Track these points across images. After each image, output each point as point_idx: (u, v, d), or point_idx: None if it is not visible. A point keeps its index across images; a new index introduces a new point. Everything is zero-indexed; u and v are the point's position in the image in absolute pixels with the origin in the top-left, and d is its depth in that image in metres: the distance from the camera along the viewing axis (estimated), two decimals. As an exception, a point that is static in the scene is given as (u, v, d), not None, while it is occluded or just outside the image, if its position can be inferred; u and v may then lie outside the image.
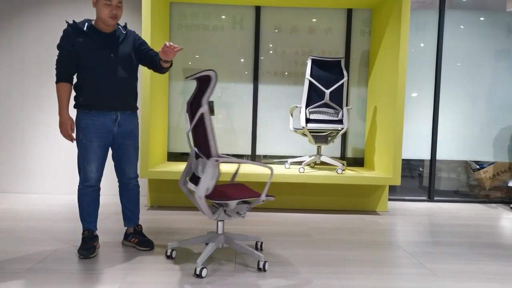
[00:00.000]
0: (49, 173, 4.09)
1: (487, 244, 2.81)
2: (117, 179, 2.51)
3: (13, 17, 4.01)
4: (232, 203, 2.12)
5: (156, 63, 2.38)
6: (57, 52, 2.30)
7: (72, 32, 2.25)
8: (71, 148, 4.07)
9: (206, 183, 2.04)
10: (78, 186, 2.36)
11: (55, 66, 2.30)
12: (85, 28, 2.26)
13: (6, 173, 4.10)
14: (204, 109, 2.02)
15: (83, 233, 2.38)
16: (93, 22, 2.32)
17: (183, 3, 4.05)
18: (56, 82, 2.27)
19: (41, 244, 2.52)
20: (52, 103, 4.06)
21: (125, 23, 2.46)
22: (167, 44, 2.19)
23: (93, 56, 2.25)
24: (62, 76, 2.26)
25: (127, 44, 2.36)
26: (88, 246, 2.31)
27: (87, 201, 2.37)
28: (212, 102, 2.17)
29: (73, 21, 2.28)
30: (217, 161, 2.03)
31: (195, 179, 2.25)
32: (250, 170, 3.49)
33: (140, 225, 2.57)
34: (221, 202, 2.12)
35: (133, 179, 2.50)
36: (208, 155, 2.07)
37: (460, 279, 2.15)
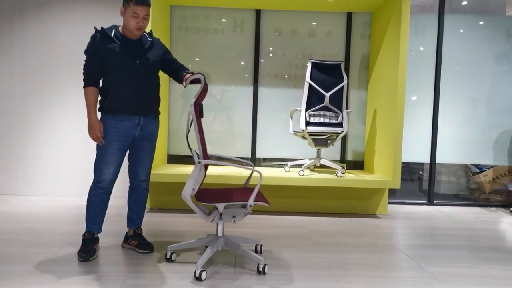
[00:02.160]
0: (49, 175, 4.09)
1: (487, 247, 2.80)
2: (128, 181, 2.52)
3: (14, 18, 4.02)
4: (220, 206, 2.15)
5: (178, 77, 2.45)
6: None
7: (100, 38, 2.29)
8: (72, 150, 4.07)
9: (191, 184, 2.10)
10: (91, 186, 2.38)
11: (82, 71, 2.35)
12: (112, 35, 2.30)
13: (6, 174, 4.09)
14: (191, 110, 2.10)
15: (84, 234, 2.37)
16: (120, 29, 2.35)
17: (183, 6, 4.07)
18: (84, 87, 2.30)
19: (40, 246, 2.52)
20: (52, 104, 4.06)
21: (151, 31, 2.51)
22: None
23: (119, 62, 2.29)
24: (90, 80, 2.29)
25: (152, 51, 2.40)
26: (88, 249, 2.31)
27: (95, 202, 2.36)
28: (201, 104, 2.21)
29: (102, 27, 2.31)
30: (199, 162, 2.10)
31: None
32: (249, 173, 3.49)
33: (141, 228, 2.57)
34: (207, 204, 2.14)
35: (143, 182, 2.51)
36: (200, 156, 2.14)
37: (460, 282, 2.15)
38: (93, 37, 2.30)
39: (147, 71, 2.37)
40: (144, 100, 2.37)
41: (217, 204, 2.14)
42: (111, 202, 3.82)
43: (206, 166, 2.26)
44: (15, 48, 4.04)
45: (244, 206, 2.19)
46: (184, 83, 2.34)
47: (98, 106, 2.36)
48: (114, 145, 2.32)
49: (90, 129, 2.29)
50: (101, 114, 2.36)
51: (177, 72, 2.46)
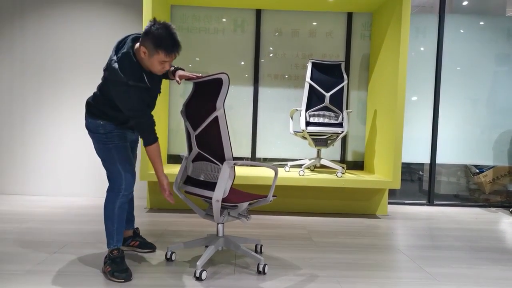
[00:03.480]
0: (49, 174, 4.09)
1: (487, 248, 2.80)
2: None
3: (14, 18, 4.02)
4: (243, 205, 2.14)
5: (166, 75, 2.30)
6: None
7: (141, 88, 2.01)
8: (71, 150, 4.07)
9: (223, 186, 2.01)
10: (117, 195, 2.11)
11: (141, 130, 2.08)
12: (147, 83, 2.03)
13: (6, 174, 4.09)
14: (220, 112, 1.98)
15: (112, 253, 2.08)
16: (134, 56, 2.01)
17: (184, 6, 4.06)
18: (149, 144, 2.07)
19: (40, 245, 2.51)
20: (52, 104, 4.06)
21: None
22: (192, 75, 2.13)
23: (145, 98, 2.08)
24: (156, 137, 2.09)
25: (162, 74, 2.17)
26: (124, 267, 2.06)
27: (122, 216, 2.13)
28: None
29: (130, 71, 1.97)
30: (235, 164, 2.03)
31: (194, 182, 2.25)
32: (250, 173, 3.49)
33: (138, 228, 2.56)
34: (231, 205, 2.12)
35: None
36: (220, 158, 2.05)
37: (460, 283, 2.15)
38: (140, 93, 1.98)
39: (155, 94, 2.19)
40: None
41: (239, 204, 2.11)
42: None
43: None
44: (16, 48, 4.04)
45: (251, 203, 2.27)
46: (178, 79, 2.16)
47: (93, 110, 2.14)
48: (123, 144, 2.16)
49: (162, 190, 2.16)
50: (97, 120, 2.13)
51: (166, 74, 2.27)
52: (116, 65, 1.94)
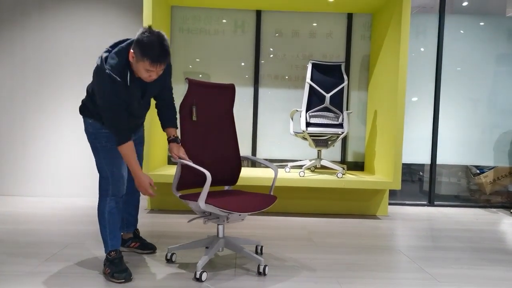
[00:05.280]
0: (49, 175, 4.09)
1: (487, 249, 2.80)
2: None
3: (15, 18, 4.03)
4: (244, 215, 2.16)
5: (163, 123, 2.27)
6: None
7: (121, 85, 1.94)
8: (72, 151, 4.07)
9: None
10: (105, 200, 2.10)
11: (110, 126, 2.00)
12: (128, 80, 1.97)
13: (6, 175, 4.09)
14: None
15: (110, 254, 2.08)
16: (129, 64, 1.99)
17: (184, 7, 4.07)
18: (119, 145, 1.99)
19: (40, 247, 2.51)
20: (52, 105, 4.06)
21: None
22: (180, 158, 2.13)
23: (131, 102, 2.04)
24: (126, 137, 2.00)
25: (159, 81, 2.12)
26: (123, 267, 2.05)
27: (118, 217, 2.12)
28: (194, 106, 2.19)
29: (117, 71, 1.93)
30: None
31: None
32: (251, 174, 3.49)
33: (138, 229, 2.56)
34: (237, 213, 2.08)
35: None
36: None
37: (461, 284, 2.14)
38: (113, 83, 1.90)
39: (148, 100, 2.18)
40: (140, 124, 2.29)
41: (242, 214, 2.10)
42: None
43: None
44: (16, 49, 4.04)
45: None
46: (174, 155, 2.14)
47: (83, 108, 2.12)
48: (111, 145, 2.09)
49: (140, 186, 2.06)
50: (93, 120, 2.10)
51: (165, 111, 2.26)
52: (105, 54, 1.95)
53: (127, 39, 2.06)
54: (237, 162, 2.47)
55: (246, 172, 3.61)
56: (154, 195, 2.11)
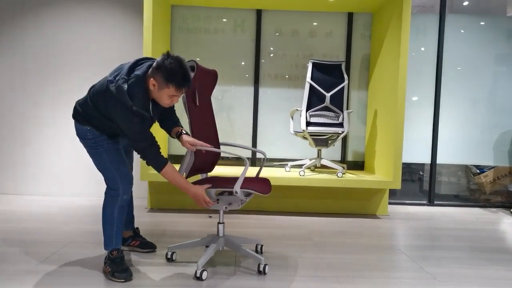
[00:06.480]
0: (49, 174, 4.09)
1: (487, 248, 2.80)
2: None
3: (15, 17, 4.02)
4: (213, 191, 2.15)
5: (168, 128, 2.26)
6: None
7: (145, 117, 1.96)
8: (72, 150, 4.07)
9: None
10: (115, 199, 2.09)
11: (145, 156, 2.01)
12: (151, 112, 1.99)
13: (6, 174, 4.09)
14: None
15: (111, 254, 2.08)
16: (146, 83, 1.95)
17: (184, 6, 4.07)
18: (160, 170, 2.02)
19: (40, 245, 2.51)
20: (52, 104, 4.06)
21: None
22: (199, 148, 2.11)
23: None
24: (164, 161, 2.04)
25: None
26: (124, 267, 2.06)
27: (123, 217, 2.14)
28: (196, 91, 2.18)
29: (139, 101, 1.91)
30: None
31: None
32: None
33: (138, 228, 2.56)
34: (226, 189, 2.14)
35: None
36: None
37: (460, 283, 2.14)
38: (142, 120, 1.92)
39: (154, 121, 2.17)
40: None
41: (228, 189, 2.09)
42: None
43: None
44: (16, 48, 4.04)
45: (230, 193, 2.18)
46: (189, 145, 2.12)
47: (79, 117, 2.09)
48: (113, 145, 2.11)
49: (198, 201, 2.08)
50: (89, 126, 2.08)
51: (169, 117, 2.27)
52: (125, 86, 1.88)
53: (140, 62, 2.00)
54: (218, 149, 2.41)
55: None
56: (214, 204, 2.13)
